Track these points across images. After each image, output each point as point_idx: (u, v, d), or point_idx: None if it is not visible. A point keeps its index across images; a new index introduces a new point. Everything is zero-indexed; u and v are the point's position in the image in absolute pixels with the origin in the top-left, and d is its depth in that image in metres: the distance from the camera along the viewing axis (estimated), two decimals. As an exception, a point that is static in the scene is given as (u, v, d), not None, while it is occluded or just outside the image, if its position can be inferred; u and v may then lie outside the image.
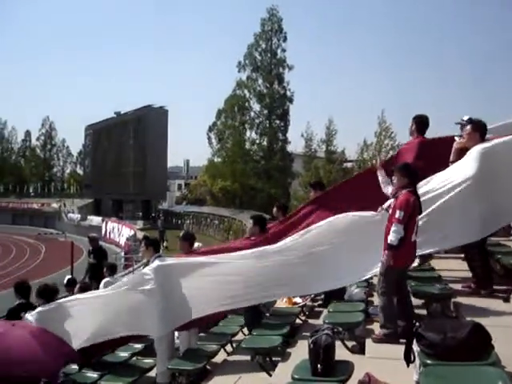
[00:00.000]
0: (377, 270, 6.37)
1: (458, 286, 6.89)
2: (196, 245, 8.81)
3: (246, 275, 6.74)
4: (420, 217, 5.75)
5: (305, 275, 6.71)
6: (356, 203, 6.75)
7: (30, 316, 6.98)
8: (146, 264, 7.81)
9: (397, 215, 5.45)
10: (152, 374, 7.14)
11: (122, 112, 62.17)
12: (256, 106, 54.72)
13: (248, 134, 55.27)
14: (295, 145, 55.60)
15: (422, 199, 5.81)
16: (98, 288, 9.64)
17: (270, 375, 5.83)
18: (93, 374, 6.83)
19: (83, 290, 9.09)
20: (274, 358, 6.22)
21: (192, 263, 6.93)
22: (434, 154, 6.88)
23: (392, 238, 5.44)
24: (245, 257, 6.77)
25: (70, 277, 11.92)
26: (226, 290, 6.80)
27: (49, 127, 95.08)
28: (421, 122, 7.33)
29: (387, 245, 5.51)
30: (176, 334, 7.46)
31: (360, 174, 7.80)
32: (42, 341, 5.59)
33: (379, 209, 6.19)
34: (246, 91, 54.46)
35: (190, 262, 6.98)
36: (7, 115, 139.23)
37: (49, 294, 7.38)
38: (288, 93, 53.84)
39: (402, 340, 5.08)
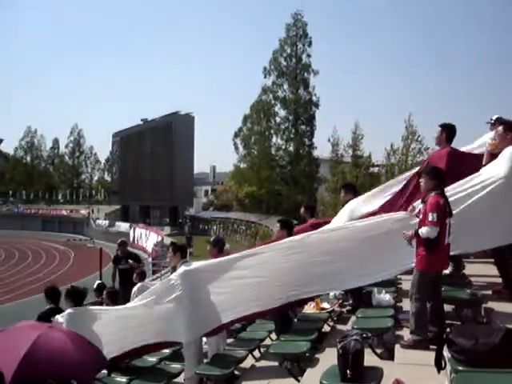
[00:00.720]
0: (401, 269, 6.39)
1: (489, 291, 6.77)
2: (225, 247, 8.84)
3: (272, 276, 6.72)
4: (451, 218, 5.66)
5: (332, 273, 6.66)
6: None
7: (60, 317, 7.07)
8: (173, 270, 7.83)
9: (430, 218, 5.33)
10: (180, 379, 7.15)
11: (149, 119, 62.81)
12: (282, 112, 54.84)
13: (274, 139, 55.37)
14: (321, 149, 55.54)
15: (452, 200, 5.74)
16: (129, 293, 9.73)
17: (299, 381, 5.80)
18: (121, 379, 6.90)
19: (111, 294, 9.17)
20: (301, 364, 6.18)
21: (218, 268, 6.91)
22: (464, 166, 6.77)
23: (424, 231, 5.36)
24: (270, 256, 6.76)
25: (99, 282, 12.03)
26: (253, 291, 6.78)
27: (77, 135, 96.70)
28: (451, 132, 7.28)
29: (415, 231, 5.49)
30: (204, 339, 7.48)
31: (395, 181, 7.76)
32: (79, 345, 5.66)
33: (410, 207, 6.09)
34: (271, 97, 54.58)
35: (215, 266, 6.97)
36: (36, 123, 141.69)
37: (76, 295, 7.47)
38: (314, 98, 53.84)
39: (432, 346, 5.02)
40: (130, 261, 13.06)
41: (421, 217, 5.60)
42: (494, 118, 7.24)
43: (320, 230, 7.17)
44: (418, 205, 6.04)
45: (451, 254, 6.22)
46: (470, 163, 6.82)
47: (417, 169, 7.76)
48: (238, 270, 6.80)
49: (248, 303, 6.82)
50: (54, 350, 5.37)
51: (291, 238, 6.89)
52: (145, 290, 7.84)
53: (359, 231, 6.57)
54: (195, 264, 7.05)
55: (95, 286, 11.19)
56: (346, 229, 6.76)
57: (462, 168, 6.66)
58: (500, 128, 6.46)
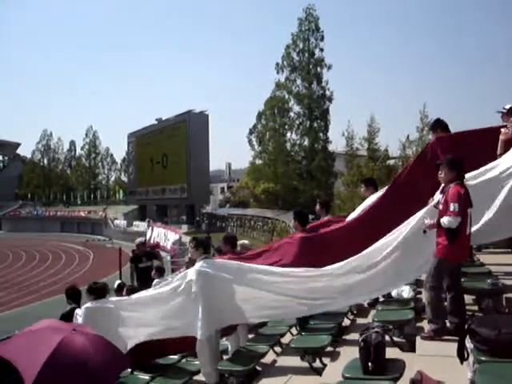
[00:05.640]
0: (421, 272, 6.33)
1: (510, 282, 6.72)
2: (241, 242, 8.84)
3: (292, 289, 6.55)
4: (471, 209, 5.62)
5: (353, 287, 6.47)
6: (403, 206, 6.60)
7: (78, 311, 7.15)
8: (191, 263, 7.82)
9: (451, 208, 5.36)
10: (201, 376, 7.17)
11: (164, 118, 63.00)
12: (295, 107, 54.65)
13: (289, 135, 55.22)
14: (336, 143, 55.27)
15: (473, 190, 5.70)
16: None
17: (320, 375, 5.79)
18: (144, 376, 6.92)
19: (131, 292, 9.22)
20: (323, 358, 6.18)
21: (237, 269, 6.77)
22: (470, 146, 6.67)
23: (445, 221, 5.37)
24: (291, 274, 6.58)
25: (119, 281, 12.08)
26: (272, 300, 6.71)
27: (92, 136, 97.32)
28: (437, 124, 7.32)
29: (437, 221, 5.49)
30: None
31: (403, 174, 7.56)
32: (100, 349, 5.71)
33: (430, 200, 6.02)
34: (284, 92, 54.44)
35: (234, 268, 6.80)
36: (53, 127, 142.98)
37: (98, 291, 7.52)
38: (327, 92, 53.55)
39: (453, 337, 5.00)
40: (156, 261, 13.12)
41: (441, 207, 5.58)
42: (508, 107, 7.16)
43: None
44: (437, 196, 5.99)
45: (476, 244, 6.19)
46: (476, 145, 6.74)
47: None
48: (259, 277, 6.64)
49: (264, 310, 6.75)
50: (75, 356, 5.39)
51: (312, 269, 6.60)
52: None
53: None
54: (215, 262, 6.96)
55: (116, 286, 11.25)
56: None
57: (468, 152, 6.53)
58: None
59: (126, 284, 11.69)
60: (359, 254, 6.28)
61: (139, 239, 14.56)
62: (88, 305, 7.22)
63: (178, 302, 6.86)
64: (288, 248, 7.18)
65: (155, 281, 9.90)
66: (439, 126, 7.34)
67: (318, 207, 8.91)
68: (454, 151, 6.33)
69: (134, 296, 7.54)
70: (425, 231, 5.73)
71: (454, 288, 5.55)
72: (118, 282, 12.00)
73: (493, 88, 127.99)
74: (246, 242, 9.82)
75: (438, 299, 5.52)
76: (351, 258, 6.30)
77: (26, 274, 36.85)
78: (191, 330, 6.72)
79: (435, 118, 7.92)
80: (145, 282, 11.69)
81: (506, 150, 6.39)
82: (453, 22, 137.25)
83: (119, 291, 10.83)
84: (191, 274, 6.78)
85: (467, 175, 5.92)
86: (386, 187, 7.60)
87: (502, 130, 6.78)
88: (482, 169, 6.24)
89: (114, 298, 7.70)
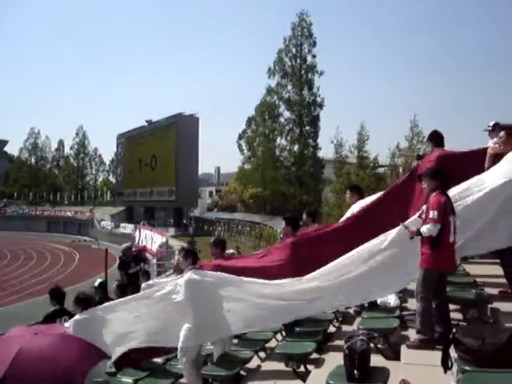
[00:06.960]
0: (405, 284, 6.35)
1: (495, 292, 6.76)
2: (231, 251, 8.82)
3: (276, 299, 6.58)
4: (455, 217, 5.65)
5: (337, 293, 6.50)
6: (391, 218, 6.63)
7: (67, 324, 7.09)
8: (176, 266, 7.76)
9: (430, 215, 5.42)
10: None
11: (154, 120, 62.86)
12: (286, 113, 54.78)
13: (278, 140, 55.33)
14: (326, 150, 55.54)
15: (457, 203, 5.75)
16: None
17: (304, 381, 5.79)
18: (127, 379, 6.87)
19: (121, 287, 9.16)
20: (307, 364, 6.18)
21: (224, 281, 6.76)
22: (457, 166, 6.71)
23: (425, 229, 5.42)
24: (277, 283, 6.58)
25: (101, 280, 11.90)
26: (254, 311, 6.70)
27: (82, 136, 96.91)
28: (434, 137, 7.35)
29: (417, 230, 5.54)
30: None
31: (394, 187, 7.61)
32: (68, 343, 5.69)
33: (416, 214, 6.06)
34: (275, 98, 54.53)
35: (222, 279, 6.78)
36: (42, 125, 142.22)
37: (86, 301, 7.47)
38: (318, 99, 53.77)
39: (438, 346, 5.02)
40: (143, 264, 13.08)
41: (423, 216, 5.63)
42: (492, 123, 7.24)
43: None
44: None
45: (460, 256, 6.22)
46: (463, 162, 6.82)
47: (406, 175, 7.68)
48: (244, 288, 6.68)
49: (248, 322, 6.80)
50: (37, 358, 5.36)
51: (303, 278, 6.56)
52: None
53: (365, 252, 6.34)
54: (204, 272, 6.88)
55: (96, 284, 11.06)
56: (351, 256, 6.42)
57: (454, 168, 6.58)
58: (502, 133, 6.53)
59: (107, 284, 11.54)
60: (344, 260, 6.33)
61: (125, 245, 14.31)
62: (77, 317, 7.17)
63: (164, 312, 6.86)
64: (278, 253, 7.20)
65: (143, 284, 9.84)
66: (432, 139, 7.36)
67: (305, 217, 8.94)
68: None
69: (122, 302, 7.49)
70: (412, 237, 5.73)
71: (439, 297, 5.57)
72: (99, 280, 11.74)
73: (489, 97, 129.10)
74: (234, 251, 9.86)
75: (427, 310, 5.52)
76: (337, 264, 6.34)
77: (10, 274, 36.54)
78: (174, 339, 6.70)
79: (430, 128, 7.98)
80: (136, 287, 11.62)
81: (493, 164, 6.46)
82: (446, 28, 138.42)
83: (99, 289, 10.60)
84: (179, 283, 6.75)
85: (452, 189, 6.00)
86: (378, 194, 7.67)
87: (491, 144, 6.83)
88: (467, 182, 6.31)
89: (101, 306, 7.63)
